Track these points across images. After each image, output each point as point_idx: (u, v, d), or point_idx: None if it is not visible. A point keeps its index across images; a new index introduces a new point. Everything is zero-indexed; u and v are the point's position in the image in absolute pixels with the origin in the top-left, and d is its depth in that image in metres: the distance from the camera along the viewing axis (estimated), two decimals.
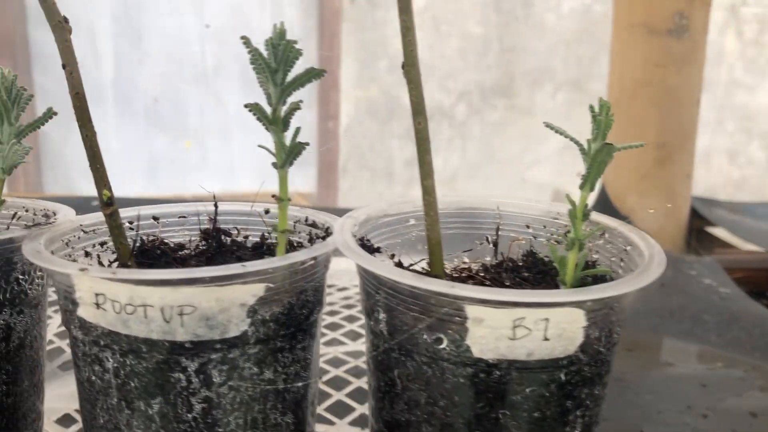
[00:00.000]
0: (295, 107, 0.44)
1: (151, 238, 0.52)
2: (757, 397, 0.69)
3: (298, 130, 0.45)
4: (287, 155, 0.44)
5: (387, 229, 0.50)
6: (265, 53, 0.42)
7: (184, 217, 0.54)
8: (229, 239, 0.53)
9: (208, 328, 0.39)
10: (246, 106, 0.44)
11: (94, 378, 0.41)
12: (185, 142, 3.20)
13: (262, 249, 0.52)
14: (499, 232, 0.52)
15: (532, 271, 0.49)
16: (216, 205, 0.54)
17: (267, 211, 0.54)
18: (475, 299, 0.36)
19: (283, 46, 0.42)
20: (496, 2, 3.23)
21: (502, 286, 0.46)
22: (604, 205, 1.40)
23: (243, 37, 0.43)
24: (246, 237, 0.54)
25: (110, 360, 0.40)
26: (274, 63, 0.42)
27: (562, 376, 0.39)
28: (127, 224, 0.50)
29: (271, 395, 0.42)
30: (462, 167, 3.35)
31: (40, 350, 0.49)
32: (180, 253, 0.52)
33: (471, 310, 0.37)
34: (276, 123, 0.44)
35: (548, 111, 3.28)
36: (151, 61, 3.15)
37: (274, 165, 0.45)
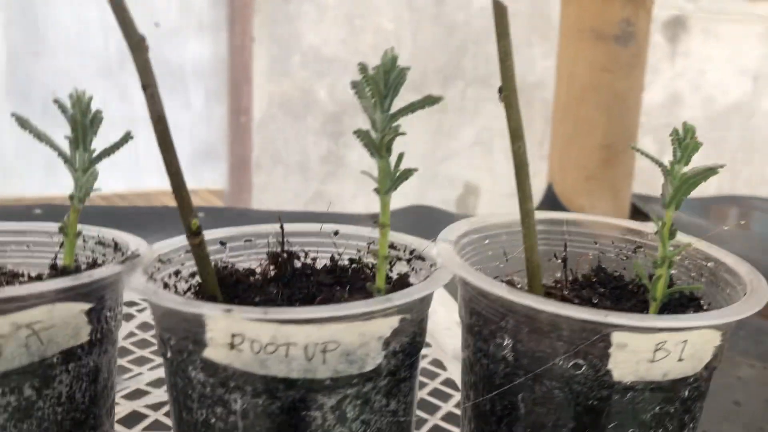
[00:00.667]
0: (399, 133, 0.44)
1: (222, 264, 0.49)
2: None
3: (401, 156, 0.44)
4: (393, 182, 0.44)
5: (470, 248, 0.50)
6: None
7: (250, 240, 0.52)
8: (299, 263, 0.52)
9: (348, 363, 0.38)
10: (355, 133, 0.43)
11: (214, 420, 0.39)
12: None
13: (337, 273, 0.51)
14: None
15: (608, 287, 0.51)
16: (282, 227, 0.53)
17: (336, 233, 0.53)
18: (626, 326, 0.37)
19: (397, 72, 0.42)
20: (409, 0, 3.26)
21: (591, 304, 0.48)
22: (552, 203, 1.45)
23: (360, 64, 0.42)
24: (314, 260, 0.53)
25: (239, 401, 0.39)
26: (384, 89, 0.42)
27: (686, 393, 0.41)
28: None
29: (394, 426, 0.42)
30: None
31: (114, 389, 0.46)
32: (252, 279, 0.50)
33: (616, 337, 0.38)
34: (382, 149, 0.43)
35: (459, 107, 3.36)
36: (49, 53, 2.96)
37: (377, 191, 0.45)
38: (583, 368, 0.39)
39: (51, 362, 0.39)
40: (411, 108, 0.43)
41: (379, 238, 0.45)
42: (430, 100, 0.42)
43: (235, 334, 0.37)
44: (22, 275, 0.49)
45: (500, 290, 0.40)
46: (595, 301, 0.48)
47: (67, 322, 0.39)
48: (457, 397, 0.62)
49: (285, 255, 0.52)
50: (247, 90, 3.20)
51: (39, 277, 0.49)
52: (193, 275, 0.49)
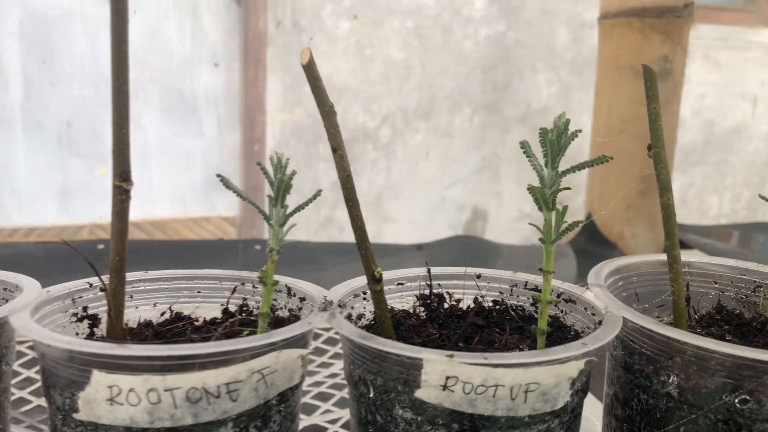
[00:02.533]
0: (563, 188, 0.48)
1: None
2: None
3: (565, 209, 0.49)
4: (558, 233, 0.48)
5: (611, 291, 0.55)
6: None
7: (402, 283, 0.56)
8: (447, 305, 0.56)
9: (544, 402, 0.42)
10: (529, 189, 0.48)
11: None
12: (101, 168, 3.06)
13: (485, 314, 0.55)
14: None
15: (732, 325, 0.55)
16: (429, 270, 0.57)
17: (479, 276, 0.57)
18: None
19: (569, 136, 0.46)
20: (417, 29, 3.33)
21: (724, 340, 0.52)
22: (592, 232, 1.50)
23: (542, 129, 0.47)
24: (458, 301, 0.57)
25: None
26: (557, 149, 0.46)
27: None
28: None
29: None
30: (386, 188, 3.42)
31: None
32: (410, 321, 0.54)
33: None
34: (549, 203, 0.47)
35: (466, 133, 3.42)
36: (63, 83, 2.99)
37: (542, 240, 0.49)
38: (749, 404, 0.43)
39: (271, 404, 0.43)
40: (579, 167, 0.48)
41: (543, 283, 0.49)
42: (600, 160, 0.47)
43: (450, 377, 0.41)
44: (197, 320, 0.53)
45: (673, 333, 0.44)
46: (728, 339, 0.53)
47: (286, 367, 0.43)
48: None
49: (434, 297, 0.56)
50: (260, 119, 3.25)
51: (214, 322, 0.52)
52: (359, 317, 0.53)
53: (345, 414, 0.72)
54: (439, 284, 0.56)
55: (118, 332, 0.44)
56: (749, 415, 0.44)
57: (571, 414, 0.45)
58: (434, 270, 0.57)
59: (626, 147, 1.41)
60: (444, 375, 0.41)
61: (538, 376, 0.41)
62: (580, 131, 0.48)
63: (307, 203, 0.49)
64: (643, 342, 0.47)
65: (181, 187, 3.14)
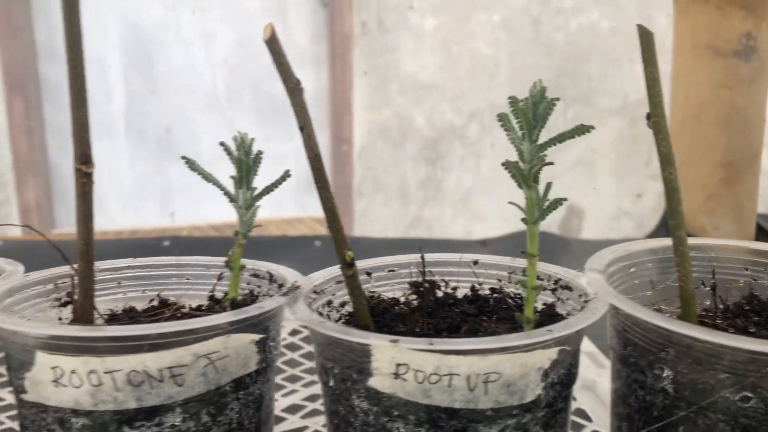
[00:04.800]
0: (546, 163, 0.44)
1: (368, 294, 0.51)
2: None
3: (549, 186, 0.45)
4: (542, 212, 0.44)
5: (616, 277, 0.50)
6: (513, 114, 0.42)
7: (393, 270, 0.54)
8: (440, 292, 0.53)
9: (509, 394, 0.39)
10: (503, 164, 0.44)
11: None
12: None
13: (479, 302, 0.52)
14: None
15: (763, 316, 0.49)
16: (423, 257, 0.54)
17: (476, 262, 0.54)
18: None
19: (545, 104, 0.42)
20: (505, 22, 3.26)
21: (749, 334, 0.46)
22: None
23: (511, 98, 0.43)
24: (454, 289, 0.54)
25: (402, 430, 0.40)
26: (533, 120, 0.42)
27: None
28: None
29: None
30: (475, 185, 3.36)
31: (273, 415, 0.49)
32: (397, 308, 0.51)
33: None
34: (530, 179, 0.44)
35: (559, 127, 3.30)
36: (162, 91, 3.13)
37: (524, 221, 0.45)
38: (752, 401, 0.38)
39: (224, 390, 0.42)
40: (560, 138, 0.44)
41: (526, 268, 0.45)
42: (580, 129, 0.43)
43: (400, 364, 0.38)
44: (184, 307, 0.53)
45: (660, 321, 0.39)
46: (752, 331, 0.47)
47: (239, 352, 0.41)
48: (590, 427, 0.61)
49: (427, 284, 0.53)
50: (348, 120, 3.28)
51: (200, 309, 0.52)
52: (342, 305, 0.51)
53: None
54: (430, 271, 0.53)
55: (87, 316, 0.44)
56: (754, 415, 0.38)
57: (548, 409, 0.41)
58: (429, 257, 0.54)
59: (706, 132, 1.31)
60: (394, 362, 0.38)
61: (498, 366, 0.38)
62: (557, 99, 0.44)
63: (275, 185, 0.48)
64: (637, 333, 0.43)
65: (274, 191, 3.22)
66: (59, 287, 0.50)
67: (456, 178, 3.30)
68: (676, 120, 1.41)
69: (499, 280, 0.53)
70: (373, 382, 0.39)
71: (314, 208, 3.49)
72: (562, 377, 0.41)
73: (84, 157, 0.44)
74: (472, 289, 0.53)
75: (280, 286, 0.50)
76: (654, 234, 1.43)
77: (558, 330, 0.38)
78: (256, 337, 0.42)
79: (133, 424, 0.39)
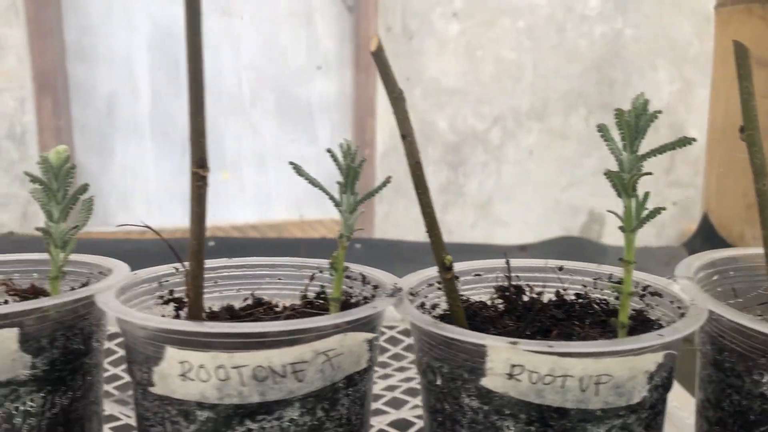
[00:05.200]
0: (644, 173, 0.46)
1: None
2: None
3: (647, 195, 0.46)
4: (639, 220, 0.45)
5: (701, 285, 0.51)
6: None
7: (479, 274, 0.55)
8: (526, 296, 0.54)
9: (617, 395, 0.40)
10: (605, 174, 0.46)
11: None
12: (223, 173, 3.21)
13: (566, 307, 0.53)
14: None
15: None
16: (508, 262, 0.55)
17: (561, 268, 0.55)
18: None
19: (647, 117, 0.44)
20: (529, 28, 3.27)
21: None
22: (708, 234, 1.41)
23: (617, 110, 0.45)
24: (539, 294, 0.55)
25: (512, 428, 0.41)
26: (635, 131, 0.44)
27: None
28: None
29: None
30: (497, 191, 3.37)
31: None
32: (486, 312, 0.53)
33: None
34: (629, 189, 0.45)
35: (581, 134, 3.32)
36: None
37: (622, 228, 0.46)
38: None
39: (338, 386, 0.43)
40: (661, 150, 0.45)
41: (624, 275, 0.46)
42: (682, 142, 0.44)
43: (515, 365, 0.40)
44: (277, 306, 0.54)
45: (763, 327, 0.41)
46: None
47: (352, 350, 0.43)
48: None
49: (513, 289, 0.54)
50: (370, 123, 3.30)
51: (293, 308, 0.54)
52: (434, 307, 0.52)
53: None
54: (518, 276, 0.55)
55: (198, 313, 0.46)
56: None
57: (651, 410, 0.42)
58: (515, 262, 0.55)
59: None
60: (509, 363, 0.40)
61: (610, 368, 0.39)
62: (660, 112, 0.45)
63: (377, 190, 0.50)
64: (732, 338, 0.44)
65: (296, 191, 3.24)
66: (163, 285, 0.52)
67: (477, 183, 3.31)
68: (716, 128, 1.42)
69: (584, 286, 0.54)
70: (486, 382, 0.41)
71: (334, 211, 3.52)
72: (664, 380, 0.43)
73: (200, 162, 0.46)
74: (557, 294, 0.55)
75: (375, 287, 0.52)
76: (692, 240, 1.44)
77: (668, 335, 0.40)
78: (369, 335, 0.44)
79: (255, 418, 0.41)
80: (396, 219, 3.35)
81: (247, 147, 3.12)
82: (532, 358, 0.39)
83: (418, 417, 0.69)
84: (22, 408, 0.43)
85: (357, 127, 3.30)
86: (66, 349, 0.45)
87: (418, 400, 0.73)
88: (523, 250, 1.39)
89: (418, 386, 0.75)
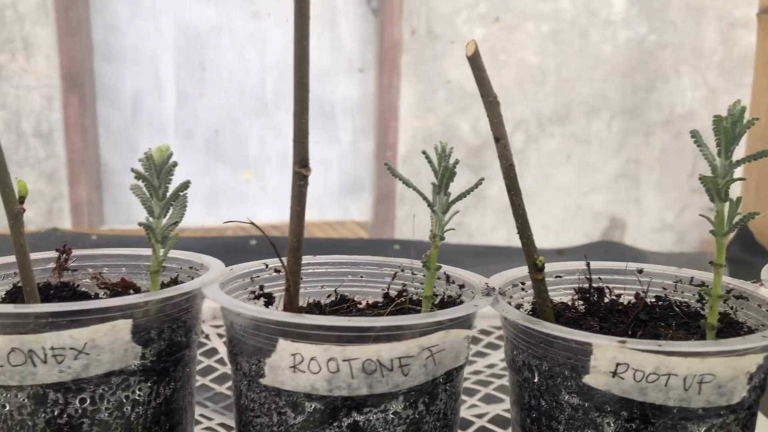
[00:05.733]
0: (737, 179, 0.46)
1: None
2: None
3: (739, 200, 0.47)
4: (731, 225, 0.46)
5: None
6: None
7: (560, 276, 0.56)
8: (606, 299, 0.55)
9: (719, 395, 0.41)
10: (700, 179, 0.46)
11: None
12: (245, 173, 3.23)
13: (647, 309, 0.54)
14: None
15: None
16: (588, 264, 0.56)
17: (641, 271, 0.56)
18: None
19: (745, 124, 0.45)
20: (553, 33, 3.27)
21: None
22: (746, 241, 1.41)
23: (716, 116, 0.45)
24: (618, 296, 0.56)
25: (611, 425, 0.42)
26: (731, 138, 0.45)
27: None
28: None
29: None
30: None
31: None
32: (568, 312, 0.54)
33: None
34: (722, 194, 0.46)
35: (604, 139, 3.32)
36: (212, 93, 3.18)
37: (713, 232, 0.47)
38: None
39: (438, 381, 0.44)
40: (755, 156, 0.46)
41: (714, 277, 0.47)
42: None
43: (620, 363, 0.41)
44: (360, 303, 0.56)
45: None
46: None
47: (453, 347, 0.44)
48: None
49: (594, 291, 0.55)
50: (393, 126, 3.31)
51: (376, 305, 0.55)
52: (518, 306, 0.53)
53: (491, 409, 0.72)
54: (599, 278, 0.56)
55: (295, 307, 0.47)
56: None
57: (748, 411, 0.43)
58: (594, 264, 0.56)
59: None
60: (614, 361, 0.41)
61: (714, 368, 0.40)
62: (757, 119, 0.46)
63: (470, 191, 0.51)
64: None
65: (318, 192, 3.26)
66: (254, 281, 0.53)
67: (499, 186, 3.31)
68: (756, 136, 1.42)
69: (664, 288, 0.55)
70: (588, 379, 0.42)
71: (356, 212, 3.53)
72: (761, 382, 0.43)
73: (303, 161, 0.47)
74: (636, 296, 0.55)
75: (461, 286, 0.53)
76: (729, 247, 1.44)
77: None
78: (469, 332, 0.45)
79: (361, 410, 0.42)
80: (417, 221, 3.36)
81: (270, 147, 3.14)
82: (638, 357, 0.40)
83: (477, 416, 0.70)
84: (131, 397, 0.44)
85: (379, 130, 3.31)
86: (171, 341, 0.46)
87: (475, 400, 0.74)
88: (561, 254, 1.40)
89: (473, 386, 0.76)
